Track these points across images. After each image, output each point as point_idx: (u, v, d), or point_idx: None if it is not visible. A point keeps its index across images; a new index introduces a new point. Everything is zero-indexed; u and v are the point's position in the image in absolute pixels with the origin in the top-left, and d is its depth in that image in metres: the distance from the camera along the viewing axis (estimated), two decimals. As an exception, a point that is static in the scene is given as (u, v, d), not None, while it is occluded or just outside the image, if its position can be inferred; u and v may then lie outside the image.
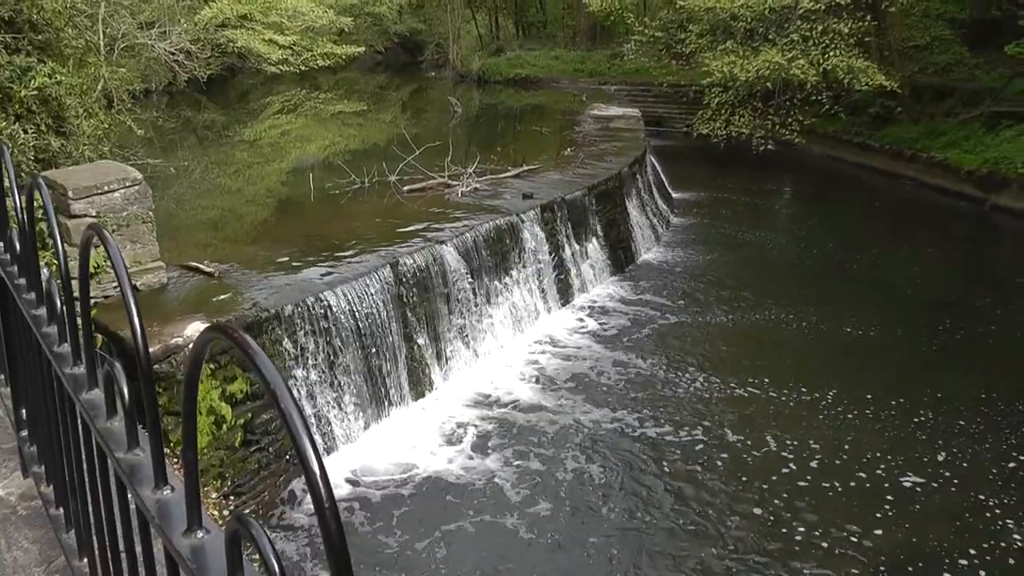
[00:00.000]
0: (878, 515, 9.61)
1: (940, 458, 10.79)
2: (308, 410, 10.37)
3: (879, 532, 9.34)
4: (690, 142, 29.18)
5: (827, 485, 10.17)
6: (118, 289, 8.41)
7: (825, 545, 9.12)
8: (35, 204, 2.61)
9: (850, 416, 11.77)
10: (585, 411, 11.88)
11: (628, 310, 15.48)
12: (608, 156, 20.00)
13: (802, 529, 9.36)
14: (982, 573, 8.79)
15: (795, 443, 11.06)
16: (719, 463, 10.66)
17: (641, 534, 9.35)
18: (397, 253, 12.33)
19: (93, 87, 15.68)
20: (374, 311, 11.38)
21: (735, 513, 9.65)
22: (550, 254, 15.34)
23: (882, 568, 8.82)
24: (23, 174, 10.66)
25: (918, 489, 10.15)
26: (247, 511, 7.89)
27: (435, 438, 11.18)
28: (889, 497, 9.94)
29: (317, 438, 9.82)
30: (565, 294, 15.69)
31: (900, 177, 24.90)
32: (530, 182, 17.15)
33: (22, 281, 2.75)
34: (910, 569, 8.84)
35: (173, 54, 22.89)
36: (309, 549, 8.94)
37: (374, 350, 11.37)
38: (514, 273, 14.43)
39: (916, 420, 11.68)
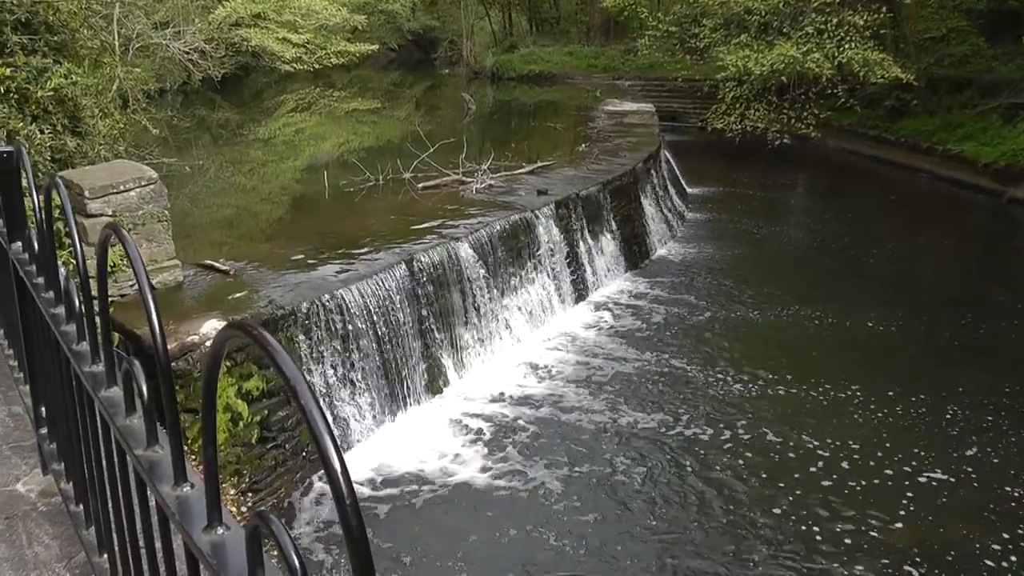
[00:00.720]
0: (908, 510, 9.55)
1: (969, 454, 10.67)
2: (324, 407, 10.39)
3: (911, 526, 9.29)
4: (705, 137, 29.10)
5: (858, 482, 10.06)
6: (135, 287, 8.44)
7: (859, 540, 9.06)
8: (52, 204, 2.63)
9: (880, 414, 11.63)
10: (602, 409, 11.85)
11: (644, 306, 15.45)
12: (622, 152, 19.96)
13: (835, 525, 9.30)
14: (1013, 558, 8.76)
15: (825, 441, 10.93)
16: (742, 462, 10.57)
17: (668, 535, 9.30)
18: (412, 250, 12.34)
19: (108, 87, 15.78)
20: (389, 308, 11.39)
21: (767, 513, 9.57)
22: (565, 250, 15.32)
23: (916, 559, 8.79)
24: (40, 174, 10.72)
25: (947, 484, 10.06)
26: (264, 508, 7.91)
27: (451, 435, 11.19)
28: (916, 493, 9.85)
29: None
30: (580, 290, 15.68)
31: (916, 170, 24.75)
32: (544, 178, 17.14)
33: (40, 280, 2.77)
34: (948, 559, 8.81)
35: (187, 53, 23.00)
36: (327, 546, 8.96)
37: (390, 347, 11.38)
38: (529, 269, 14.43)
39: (943, 417, 11.56)
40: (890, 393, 12.12)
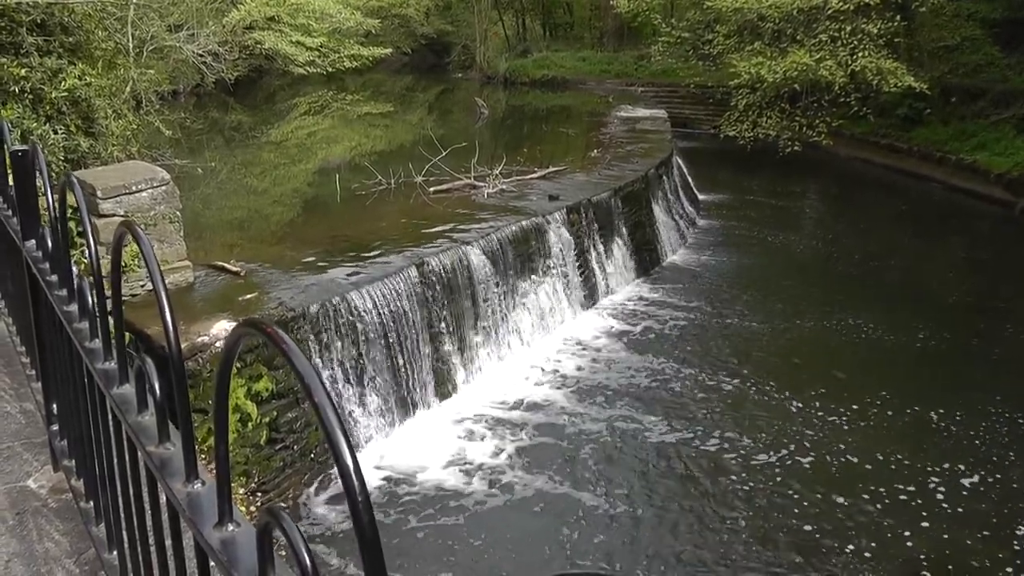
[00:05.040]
0: (931, 520, 9.51)
1: (997, 461, 10.67)
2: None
3: (932, 536, 9.27)
4: (716, 143, 29.07)
5: (885, 492, 10.01)
6: (145, 287, 8.41)
7: (876, 549, 9.02)
8: (66, 203, 2.64)
9: (909, 425, 11.55)
10: (610, 416, 11.81)
11: (655, 312, 15.41)
12: (634, 158, 19.96)
13: (852, 533, 9.28)
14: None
15: (848, 453, 10.85)
16: (756, 471, 10.53)
17: (673, 547, 9.29)
18: (423, 254, 12.34)
19: (122, 88, 15.84)
20: (399, 312, 11.40)
21: (782, 521, 9.56)
22: (575, 256, 15.31)
23: (933, 568, 8.80)
24: (53, 174, 10.76)
25: (984, 496, 10.01)
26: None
27: (459, 439, 11.18)
28: (943, 503, 9.83)
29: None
30: (591, 296, 15.66)
31: (929, 180, 24.69)
32: (556, 183, 17.15)
33: (54, 278, 2.78)
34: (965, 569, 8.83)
35: (201, 56, 23.06)
36: (335, 547, 8.96)
37: (399, 350, 11.38)
38: (539, 274, 14.42)
39: (978, 429, 11.46)
40: (920, 405, 11.99)
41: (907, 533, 9.31)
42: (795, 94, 26.63)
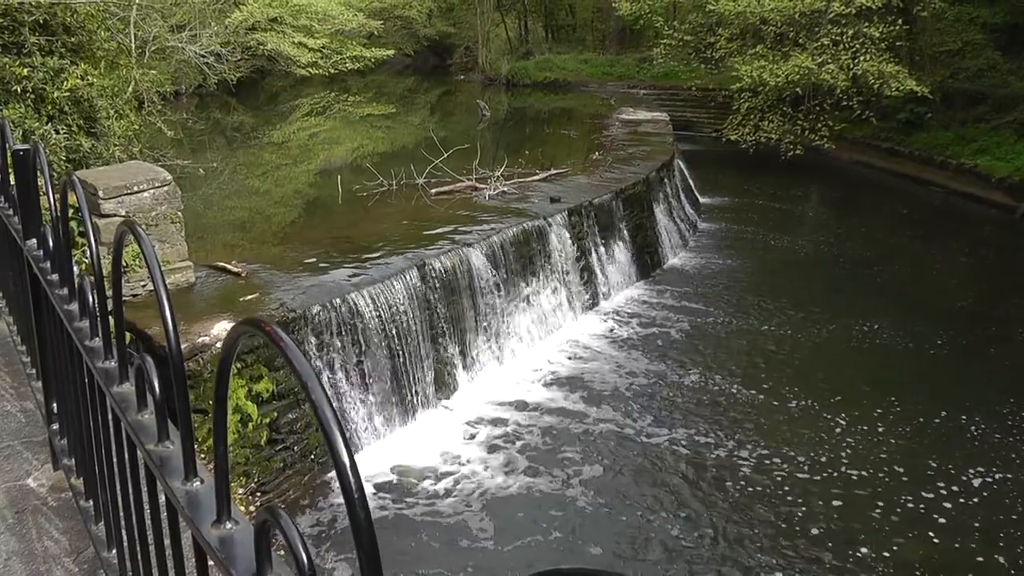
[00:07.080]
0: (932, 528, 9.53)
1: (998, 471, 10.66)
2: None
3: (932, 542, 9.30)
4: (718, 147, 29.06)
5: (882, 499, 10.01)
6: (146, 287, 8.39)
7: (877, 556, 9.02)
8: (68, 202, 2.65)
9: (916, 432, 11.52)
10: (610, 418, 11.82)
11: (655, 315, 15.41)
12: (636, 160, 19.96)
13: (853, 539, 9.28)
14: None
15: (847, 459, 10.85)
16: (751, 476, 10.55)
17: (668, 540, 9.29)
18: (424, 255, 12.35)
19: (124, 89, 15.85)
20: (400, 313, 11.40)
21: (775, 527, 9.56)
22: (577, 258, 15.31)
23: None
24: (55, 174, 10.77)
25: (985, 502, 10.03)
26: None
27: (459, 441, 11.18)
28: (943, 510, 9.85)
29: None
30: (592, 298, 15.66)
31: (929, 184, 24.68)
32: (558, 186, 17.14)
33: (55, 277, 2.78)
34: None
35: (203, 56, 23.09)
36: (334, 548, 8.96)
37: (400, 352, 11.38)
38: (540, 277, 14.42)
39: (990, 434, 11.47)
40: (935, 413, 11.98)
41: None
42: (797, 98, 26.65)
